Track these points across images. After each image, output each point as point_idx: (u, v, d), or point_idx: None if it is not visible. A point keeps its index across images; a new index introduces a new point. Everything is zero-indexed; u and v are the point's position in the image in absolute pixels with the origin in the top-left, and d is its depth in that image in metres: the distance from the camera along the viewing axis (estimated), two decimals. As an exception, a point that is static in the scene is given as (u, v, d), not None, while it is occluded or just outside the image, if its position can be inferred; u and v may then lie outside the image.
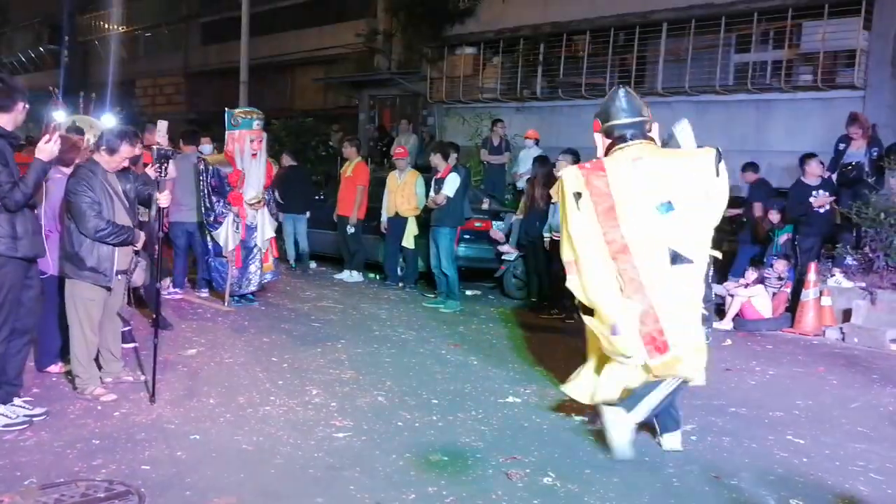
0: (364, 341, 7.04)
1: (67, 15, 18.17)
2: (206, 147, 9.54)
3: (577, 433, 4.87)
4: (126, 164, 5.24)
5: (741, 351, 7.51)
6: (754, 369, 6.81)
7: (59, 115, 6.85)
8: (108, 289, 5.07)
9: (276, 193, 9.31)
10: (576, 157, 8.55)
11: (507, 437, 4.74)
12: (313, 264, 11.48)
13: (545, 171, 8.95)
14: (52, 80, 32.32)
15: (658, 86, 14.35)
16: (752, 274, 8.61)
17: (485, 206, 10.59)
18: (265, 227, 8.32)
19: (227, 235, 8.06)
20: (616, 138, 4.67)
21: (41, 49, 37.07)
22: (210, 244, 8.22)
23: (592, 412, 4.82)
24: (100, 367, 5.29)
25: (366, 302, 8.98)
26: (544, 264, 8.90)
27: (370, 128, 19.90)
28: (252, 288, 8.38)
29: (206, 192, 8.08)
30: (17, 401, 4.57)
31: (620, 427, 4.35)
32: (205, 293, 8.71)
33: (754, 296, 8.47)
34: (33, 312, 4.71)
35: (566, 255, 4.64)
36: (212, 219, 8.07)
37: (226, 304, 8.19)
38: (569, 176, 4.60)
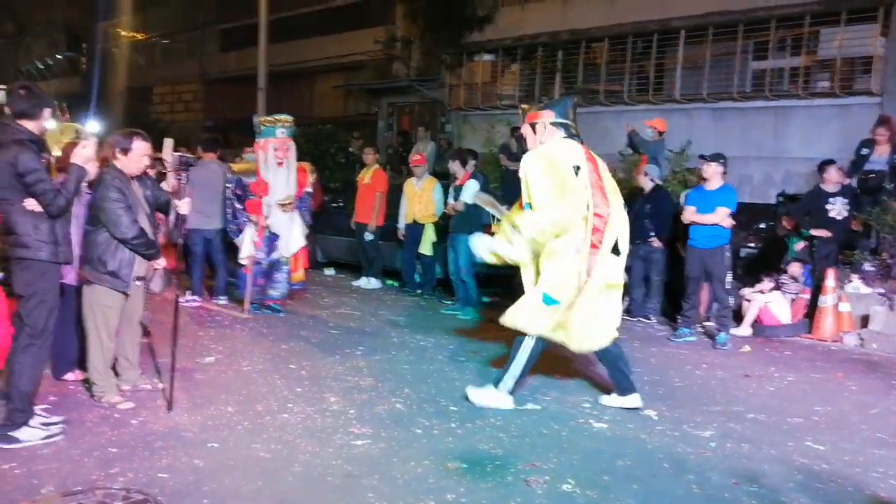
0: (382, 348, 7.06)
1: (90, 23, 18.44)
2: (250, 156, 9.61)
3: (596, 440, 4.85)
4: (144, 168, 5.26)
5: (759, 357, 7.46)
6: (773, 375, 6.76)
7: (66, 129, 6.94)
8: (126, 295, 5.11)
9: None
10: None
11: (526, 444, 4.73)
12: (331, 271, 11.52)
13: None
14: (70, 86, 32.72)
15: (676, 93, 14.32)
16: (768, 282, 8.55)
17: (504, 212, 10.57)
18: (293, 236, 8.17)
19: (246, 243, 8.07)
20: (564, 135, 5.34)
21: (59, 56, 37.46)
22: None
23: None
24: (117, 375, 5.32)
25: (384, 309, 8.99)
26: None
27: (389, 135, 19.96)
28: (275, 295, 8.26)
29: (231, 200, 8.11)
30: (36, 409, 4.59)
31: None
32: (223, 301, 8.75)
33: (771, 301, 8.41)
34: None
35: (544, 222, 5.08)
36: (234, 227, 8.13)
37: (244, 311, 8.19)
38: (569, 149, 5.21)
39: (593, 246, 5.09)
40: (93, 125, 7.26)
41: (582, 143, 5.40)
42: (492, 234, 9.53)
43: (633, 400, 5.48)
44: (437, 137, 16.62)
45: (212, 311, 8.40)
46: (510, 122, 14.29)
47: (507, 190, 12.71)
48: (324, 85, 23.95)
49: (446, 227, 9.24)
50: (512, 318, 5.29)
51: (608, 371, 5.62)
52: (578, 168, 5.11)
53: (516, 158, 12.91)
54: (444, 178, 10.26)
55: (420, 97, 19.14)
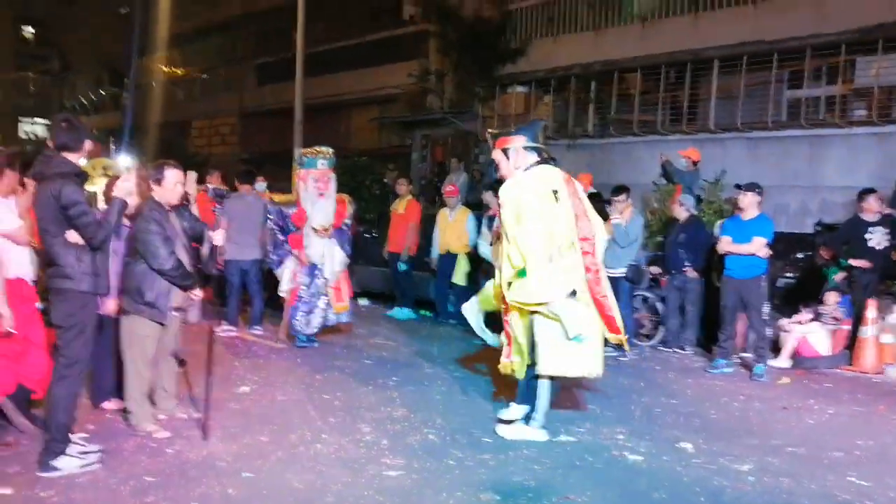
0: (415, 379, 7.05)
1: (129, 59, 19.00)
2: (261, 185, 9.75)
3: (631, 472, 4.79)
4: (180, 197, 5.36)
5: (798, 389, 7.32)
6: (812, 408, 6.62)
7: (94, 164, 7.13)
8: (163, 325, 5.18)
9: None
10: (627, 194, 8.52)
11: (559, 476, 4.68)
12: (365, 301, 11.57)
13: (597, 209, 8.90)
14: (111, 121, 33.50)
15: (710, 123, 14.27)
16: (806, 312, 8.41)
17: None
18: (335, 262, 8.11)
19: (287, 275, 8.07)
20: (543, 161, 5.39)
21: (102, 92, 38.45)
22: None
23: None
24: (154, 404, 5.38)
25: (417, 339, 9.00)
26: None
27: (423, 166, 20.10)
28: (314, 329, 8.18)
29: (273, 230, 8.12)
30: (73, 437, 4.65)
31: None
32: (258, 331, 8.83)
33: (810, 332, 8.27)
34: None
35: (529, 248, 5.03)
36: (276, 258, 8.14)
37: (281, 341, 8.21)
38: (546, 174, 5.24)
39: (587, 269, 5.17)
40: (125, 159, 7.41)
41: (556, 165, 5.50)
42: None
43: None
44: (470, 168, 16.71)
45: (247, 341, 8.47)
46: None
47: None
48: (359, 117, 24.26)
49: (479, 257, 9.24)
50: (554, 367, 5.21)
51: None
52: (556, 192, 5.15)
53: None
54: (478, 208, 10.29)
55: (453, 129, 19.27)
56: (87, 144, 4.64)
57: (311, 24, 17.86)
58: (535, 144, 5.43)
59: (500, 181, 5.58)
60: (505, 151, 5.45)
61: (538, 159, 5.38)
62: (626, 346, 5.86)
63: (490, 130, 6.43)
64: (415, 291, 10.65)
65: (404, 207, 10.61)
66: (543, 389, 5.34)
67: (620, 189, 8.64)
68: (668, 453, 5.18)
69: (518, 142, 5.42)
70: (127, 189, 4.61)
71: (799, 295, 9.04)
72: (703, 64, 14.47)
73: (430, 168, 19.77)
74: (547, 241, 5.04)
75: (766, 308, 7.88)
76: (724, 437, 5.59)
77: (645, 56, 15.42)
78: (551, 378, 5.32)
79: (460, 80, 19.03)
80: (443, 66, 19.54)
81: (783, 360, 8.24)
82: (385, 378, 7.03)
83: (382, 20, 23.18)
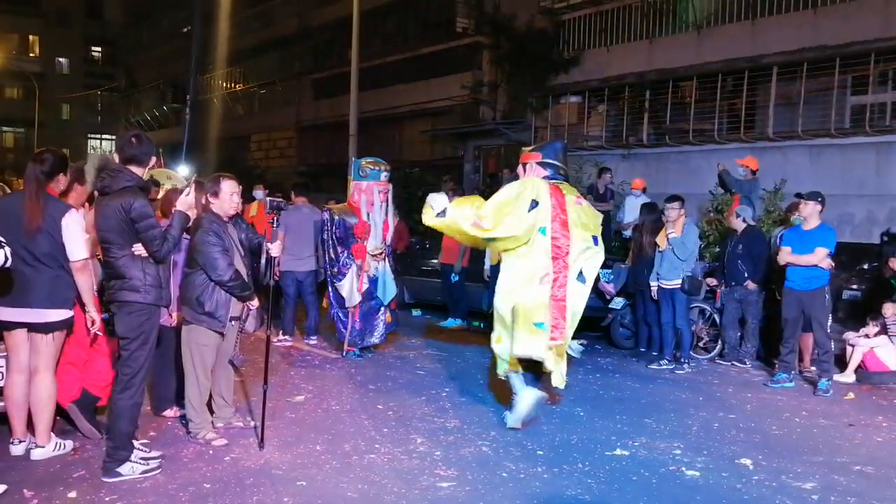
0: (468, 390, 7.03)
1: (190, 75, 19.60)
2: (259, 193, 9.91)
3: (687, 489, 4.69)
4: (236, 209, 5.45)
5: (865, 405, 7.08)
6: (881, 425, 6.39)
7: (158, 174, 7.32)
8: (222, 334, 5.27)
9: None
10: (682, 204, 8.39)
11: (614, 490, 4.61)
12: (418, 312, 11.61)
13: (653, 219, 8.82)
14: (174, 136, 34.36)
15: (769, 130, 14.00)
16: (873, 325, 8.14)
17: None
18: (388, 283, 8.12)
19: (350, 288, 7.92)
20: (551, 176, 5.99)
21: (165, 108, 39.55)
22: (333, 295, 8.09)
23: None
24: (212, 413, 5.48)
25: (470, 350, 8.98)
26: (653, 312, 8.72)
27: (475, 178, 20.14)
28: (374, 341, 8.22)
29: (330, 242, 7.96)
30: (135, 443, 4.75)
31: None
32: (313, 341, 8.92)
33: (877, 346, 8.00)
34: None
35: (486, 220, 5.63)
36: (335, 270, 7.95)
37: (343, 354, 8.16)
38: (536, 184, 5.79)
39: (557, 269, 5.70)
40: (184, 170, 7.62)
41: (568, 181, 6.15)
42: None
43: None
44: (523, 179, 16.66)
45: (302, 351, 8.57)
46: (597, 163, 14.23)
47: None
48: (411, 129, 24.45)
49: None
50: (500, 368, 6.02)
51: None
52: (536, 203, 5.68)
53: (601, 200, 12.92)
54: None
55: (506, 140, 19.28)
56: (153, 160, 4.74)
57: (365, 39, 18.08)
58: (551, 161, 6.05)
59: None
60: (524, 165, 6.15)
61: (548, 174, 5.98)
62: (573, 350, 6.22)
63: (524, 148, 6.91)
64: (467, 302, 10.64)
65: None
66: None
67: (674, 198, 8.51)
68: (727, 469, 5.06)
69: (534, 158, 6.11)
70: (188, 202, 4.70)
71: (865, 307, 8.77)
72: (762, 71, 14.20)
73: (483, 179, 19.80)
74: (493, 216, 5.63)
75: (829, 321, 7.66)
76: (786, 455, 5.43)
77: (701, 64, 15.23)
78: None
79: (513, 91, 19.05)
80: (495, 78, 19.57)
81: (848, 375, 7.99)
82: (438, 389, 7.03)
83: (435, 34, 23.37)
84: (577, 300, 5.80)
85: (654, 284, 8.47)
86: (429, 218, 5.81)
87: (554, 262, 5.68)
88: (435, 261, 11.07)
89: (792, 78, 13.76)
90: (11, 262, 4.39)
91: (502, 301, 5.85)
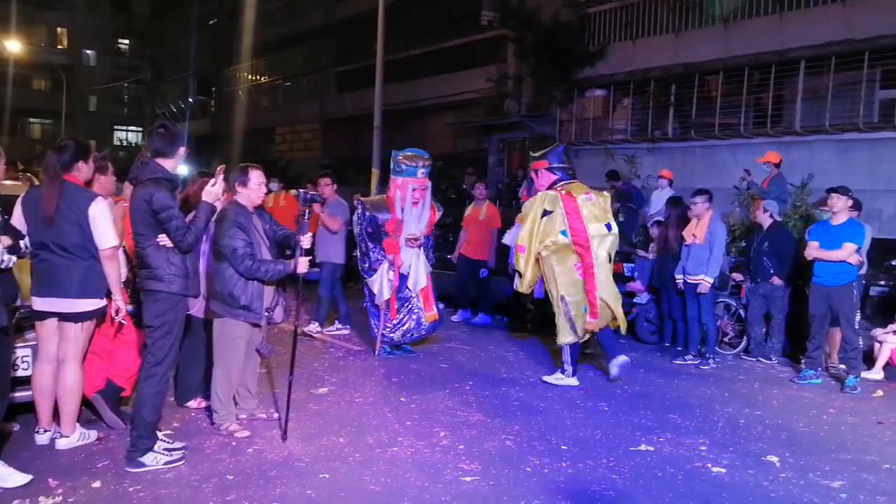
0: (492, 383, 7.02)
1: (217, 68, 19.72)
2: (274, 185, 10.00)
3: (713, 485, 4.64)
4: (261, 200, 5.45)
5: (894, 402, 6.97)
6: (911, 424, 6.30)
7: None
8: (258, 326, 5.28)
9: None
10: (710, 198, 8.30)
11: (639, 486, 4.58)
12: (440, 305, 11.56)
13: (679, 213, 8.73)
14: (199, 128, 34.63)
15: (796, 125, 13.82)
16: (901, 321, 8.03)
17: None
18: (419, 274, 7.90)
19: (381, 284, 7.78)
20: (560, 178, 7.13)
21: (190, 100, 39.84)
22: (365, 289, 8.00)
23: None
24: (235, 404, 5.49)
25: (493, 344, 8.97)
26: (678, 307, 8.65)
27: (500, 171, 20.09)
28: (410, 338, 8.06)
29: (362, 237, 7.83)
30: (159, 434, 4.78)
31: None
32: (346, 331, 8.98)
33: (907, 343, 7.88)
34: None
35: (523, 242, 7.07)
36: (367, 266, 7.81)
37: (376, 352, 7.98)
38: (548, 197, 6.96)
39: (577, 266, 6.92)
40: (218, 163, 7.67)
41: (576, 179, 7.24)
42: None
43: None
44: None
45: (326, 342, 8.59)
46: (627, 157, 14.11)
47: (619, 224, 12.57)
48: (435, 122, 24.43)
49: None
50: (562, 339, 7.10)
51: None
52: (548, 212, 6.85)
53: (616, 177, 13.05)
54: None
55: (530, 133, 19.20)
56: (181, 150, 4.74)
57: (390, 32, 18.06)
58: (557, 165, 7.11)
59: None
60: (535, 172, 7.29)
61: (557, 178, 7.09)
62: (622, 327, 7.33)
63: (531, 153, 7.73)
64: (492, 296, 10.59)
65: (485, 213, 10.48)
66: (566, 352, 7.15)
67: (700, 192, 8.41)
68: (754, 467, 5.01)
69: (542, 166, 7.19)
70: (215, 193, 4.72)
71: (894, 304, 8.63)
72: (789, 65, 14.01)
73: (507, 172, 19.75)
74: (529, 240, 7.00)
75: (857, 317, 7.54)
76: (813, 452, 5.37)
77: (727, 58, 15.06)
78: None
79: (538, 85, 18.96)
80: (520, 71, 19.48)
81: (877, 372, 7.87)
82: (461, 382, 7.02)
83: (460, 27, 23.31)
84: (607, 284, 6.97)
85: (679, 278, 8.40)
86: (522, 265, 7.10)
87: (581, 256, 6.80)
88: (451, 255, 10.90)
89: (819, 72, 13.56)
90: (43, 254, 4.44)
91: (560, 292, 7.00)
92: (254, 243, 5.13)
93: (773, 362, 8.38)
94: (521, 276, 7.18)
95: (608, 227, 7.00)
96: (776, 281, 8.32)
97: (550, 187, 7.12)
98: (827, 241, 7.42)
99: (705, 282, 8.05)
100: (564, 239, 6.81)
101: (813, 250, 7.48)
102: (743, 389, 7.26)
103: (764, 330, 8.60)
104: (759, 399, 6.87)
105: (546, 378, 7.13)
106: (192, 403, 5.80)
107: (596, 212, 6.93)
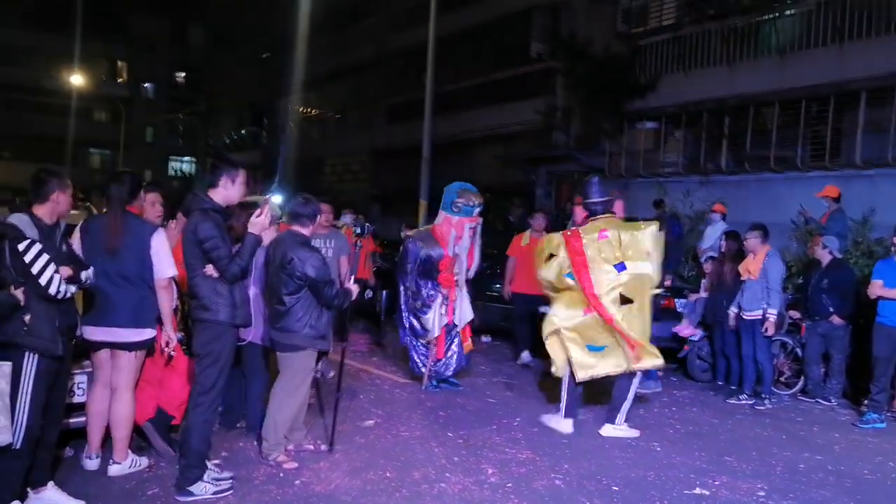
0: (540, 420, 6.86)
1: (272, 100, 20.14)
2: (347, 218, 9.89)
3: (774, 535, 4.45)
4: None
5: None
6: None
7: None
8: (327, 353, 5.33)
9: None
10: (765, 233, 8.09)
11: (694, 533, 4.41)
12: (488, 339, 11.48)
13: (735, 247, 8.53)
14: (251, 158, 35.22)
15: (857, 158, 13.48)
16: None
17: (667, 282, 10.16)
18: (464, 308, 7.92)
19: (434, 319, 7.75)
20: (590, 212, 6.76)
21: (242, 131, 40.64)
22: (407, 324, 7.95)
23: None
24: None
25: (541, 379, 8.81)
26: (732, 344, 8.41)
27: (548, 203, 20.00)
28: (452, 370, 8.03)
29: (412, 275, 7.81)
30: (208, 463, 4.77)
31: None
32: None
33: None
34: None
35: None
36: (419, 304, 7.80)
37: (423, 386, 7.88)
38: (553, 240, 6.78)
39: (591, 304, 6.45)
40: (276, 198, 7.73)
41: (607, 213, 6.74)
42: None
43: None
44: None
45: (371, 374, 8.54)
46: (684, 193, 13.90)
47: (670, 259, 12.31)
48: (483, 154, 24.45)
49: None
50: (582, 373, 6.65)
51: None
52: (552, 255, 6.68)
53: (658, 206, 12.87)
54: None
55: (579, 165, 19.08)
56: (224, 180, 4.71)
57: (439, 64, 18.17)
58: (589, 201, 6.77)
59: None
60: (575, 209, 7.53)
61: (588, 213, 6.81)
62: (657, 363, 6.76)
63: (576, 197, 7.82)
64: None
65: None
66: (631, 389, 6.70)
67: (755, 226, 8.20)
68: (816, 514, 4.80)
69: (578, 202, 7.21)
70: (261, 224, 4.74)
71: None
72: (849, 96, 13.72)
73: (556, 204, 19.64)
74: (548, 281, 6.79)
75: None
76: (880, 500, 5.13)
77: (783, 90, 14.81)
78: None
79: (587, 116, 18.88)
80: (569, 103, 19.43)
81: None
82: (509, 418, 6.89)
83: (509, 58, 23.37)
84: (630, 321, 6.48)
85: (732, 312, 8.18)
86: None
87: (588, 296, 6.46)
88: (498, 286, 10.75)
89: (882, 103, 13.24)
90: (96, 283, 4.49)
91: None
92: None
93: (833, 404, 8.08)
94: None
95: (619, 267, 6.41)
96: (836, 320, 8.04)
97: (583, 222, 6.90)
98: (893, 279, 7.17)
99: (770, 314, 7.80)
100: (570, 281, 6.54)
101: (877, 288, 7.23)
102: (801, 432, 7.00)
103: (822, 370, 8.32)
104: (819, 443, 6.61)
105: (542, 418, 6.75)
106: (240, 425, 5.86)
107: (606, 251, 6.43)
